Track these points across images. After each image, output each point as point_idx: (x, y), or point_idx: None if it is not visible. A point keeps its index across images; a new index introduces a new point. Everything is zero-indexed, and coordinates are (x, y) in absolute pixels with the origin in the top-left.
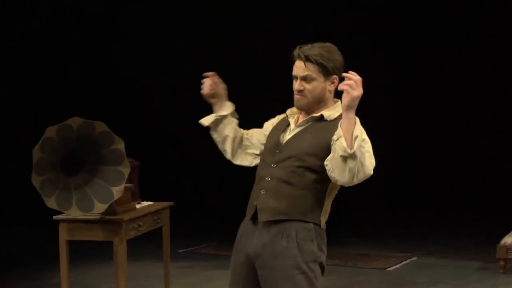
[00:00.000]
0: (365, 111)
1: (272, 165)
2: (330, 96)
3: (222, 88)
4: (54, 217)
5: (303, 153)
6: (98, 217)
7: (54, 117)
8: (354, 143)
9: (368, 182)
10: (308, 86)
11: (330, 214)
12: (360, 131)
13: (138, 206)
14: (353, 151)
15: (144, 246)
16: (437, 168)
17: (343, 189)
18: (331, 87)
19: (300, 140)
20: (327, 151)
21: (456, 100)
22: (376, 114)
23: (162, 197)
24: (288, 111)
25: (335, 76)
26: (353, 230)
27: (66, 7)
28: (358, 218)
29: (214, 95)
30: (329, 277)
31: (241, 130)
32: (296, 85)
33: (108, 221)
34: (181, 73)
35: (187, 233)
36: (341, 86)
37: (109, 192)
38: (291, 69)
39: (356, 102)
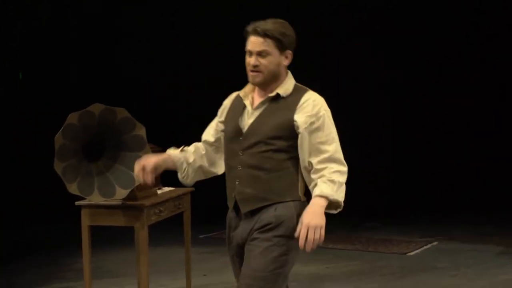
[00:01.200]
0: (365, 111)
1: (240, 153)
2: (284, 70)
3: (156, 173)
4: (76, 202)
5: (268, 137)
6: (120, 202)
7: (54, 117)
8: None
9: (370, 180)
10: (263, 61)
11: (350, 200)
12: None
13: (159, 191)
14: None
15: (165, 231)
16: (437, 168)
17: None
18: (285, 62)
19: (262, 123)
20: (290, 130)
21: (456, 100)
22: (376, 114)
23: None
24: (241, 93)
25: (289, 51)
26: (373, 215)
27: (66, 7)
28: (378, 203)
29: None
30: (350, 262)
31: (198, 145)
32: (252, 60)
33: (130, 206)
34: (181, 73)
35: (207, 218)
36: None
37: (130, 178)
38: (291, 69)
39: (320, 220)
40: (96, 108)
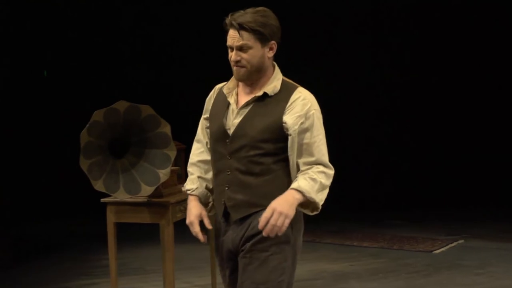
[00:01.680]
0: (365, 111)
1: (228, 157)
2: (269, 62)
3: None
4: (102, 199)
5: (256, 140)
6: (145, 199)
7: (79, 115)
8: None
9: (394, 178)
10: (245, 55)
11: (374, 198)
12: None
13: (184, 189)
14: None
15: None
16: (463, 166)
17: (382, 171)
18: (270, 54)
19: (249, 125)
20: (279, 132)
21: (456, 100)
22: (376, 114)
23: None
24: (225, 89)
25: (272, 41)
26: (398, 212)
27: (66, 7)
28: (403, 200)
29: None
30: (376, 260)
31: (204, 158)
32: (233, 56)
33: (155, 203)
34: (181, 73)
35: None
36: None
37: (155, 175)
38: (291, 68)
39: (289, 210)
40: (121, 105)
